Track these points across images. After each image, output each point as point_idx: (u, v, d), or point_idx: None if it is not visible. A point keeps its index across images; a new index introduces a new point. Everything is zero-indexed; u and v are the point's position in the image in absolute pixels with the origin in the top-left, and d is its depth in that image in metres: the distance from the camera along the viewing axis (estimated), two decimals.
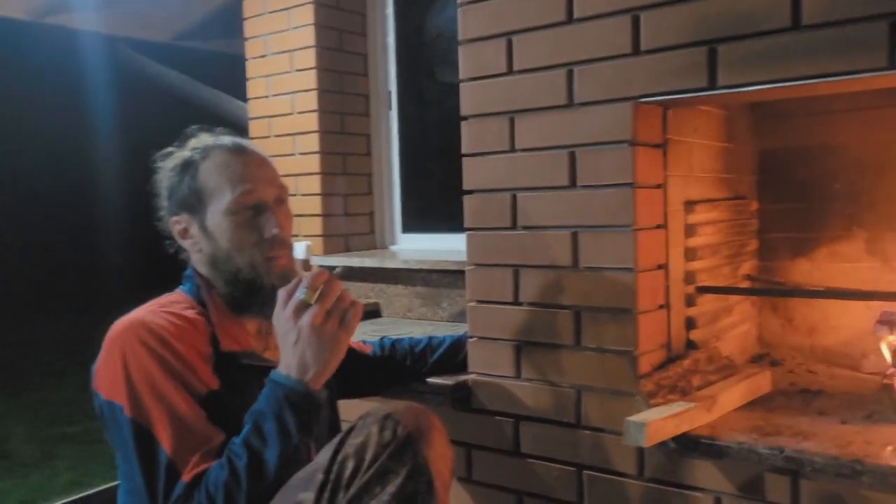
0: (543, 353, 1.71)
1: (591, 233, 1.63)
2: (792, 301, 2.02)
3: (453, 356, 1.86)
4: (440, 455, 1.23)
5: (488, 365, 1.80)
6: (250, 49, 3.33)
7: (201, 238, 1.42)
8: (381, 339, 1.88)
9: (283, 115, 3.24)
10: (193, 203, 1.41)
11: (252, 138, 3.33)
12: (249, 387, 1.33)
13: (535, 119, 1.69)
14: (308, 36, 3.11)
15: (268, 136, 3.29)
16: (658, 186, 1.65)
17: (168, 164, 1.44)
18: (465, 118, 1.80)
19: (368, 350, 1.83)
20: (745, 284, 2.00)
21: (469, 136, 1.80)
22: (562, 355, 1.68)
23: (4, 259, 6.91)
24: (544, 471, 1.73)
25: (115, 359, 1.27)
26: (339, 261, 3.04)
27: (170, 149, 1.47)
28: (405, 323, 2.72)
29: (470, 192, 1.81)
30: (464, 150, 1.81)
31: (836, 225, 1.95)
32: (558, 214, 1.67)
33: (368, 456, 1.17)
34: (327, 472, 1.17)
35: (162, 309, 1.37)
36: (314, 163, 3.14)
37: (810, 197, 1.99)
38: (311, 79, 3.12)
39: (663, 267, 1.67)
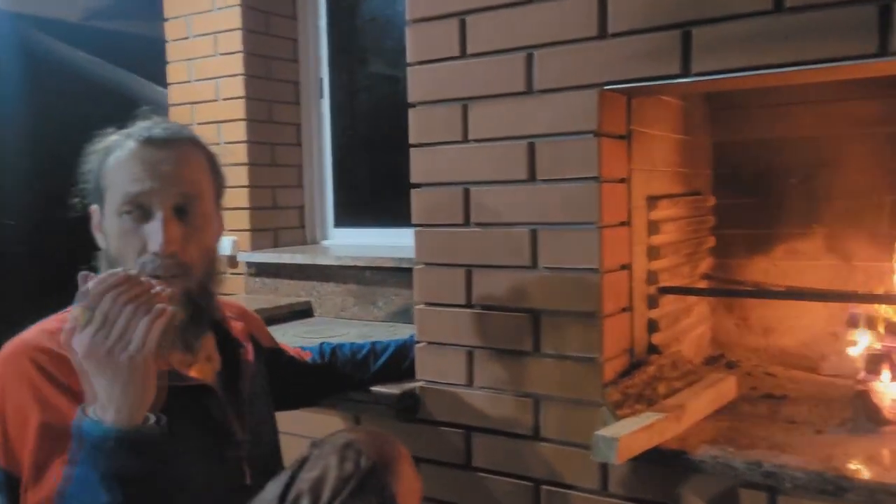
0: (499, 360, 1.59)
1: (551, 230, 1.51)
2: (748, 300, 1.96)
3: (399, 363, 1.72)
4: (409, 488, 1.08)
5: (438, 372, 1.67)
6: (171, 30, 3.10)
7: (102, 236, 1.22)
8: (321, 344, 1.72)
9: (206, 101, 3.02)
10: (99, 196, 1.21)
11: None
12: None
13: (490, 107, 1.56)
14: (234, 18, 2.91)
15: (190, 124, 3.05)
16: (622, 181, 1.54)
17: (93, 147, 1.22)
18: (413, 105, 1.66)
19: (307, 357, 1.67)
20: (704, 284, 1.93)
21: (417, 125, 1.66)
22: (519, 362, 1.56)
23: None
24: (498, 486, 1.61)
25: None
26: (267, 256, 2.85)
27: (109, 130, 1.24)
28: (339, 323, 2.56)
29: (418, 185, 1.67)
30: (412, 140, 1.67)
31: (793, 222, 1.90)
32: (516, 210, 1.54)
33: (326, 492, 1.01)
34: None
35: (50, 329, 1.13)
36: (241, 153, 2.94)
37: (767, 192, 1.92)
38: (237, 63, 2.92)
39: (627, 267, 1.56)
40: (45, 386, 1.06)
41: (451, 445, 1.66)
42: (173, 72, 3.11)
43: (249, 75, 2.93)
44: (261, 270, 2.92)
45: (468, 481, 1.65)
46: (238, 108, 2.93)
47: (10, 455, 1.05)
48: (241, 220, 2.97)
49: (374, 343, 1.75)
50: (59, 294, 1.18)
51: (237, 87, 2.92)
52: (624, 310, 1.56)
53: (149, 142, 1.18)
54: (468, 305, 1.62)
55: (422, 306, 1.69)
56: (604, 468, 1.48)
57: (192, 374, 1.24)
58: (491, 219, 1.58)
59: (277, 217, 3.07)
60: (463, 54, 1.58)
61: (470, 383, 1.63)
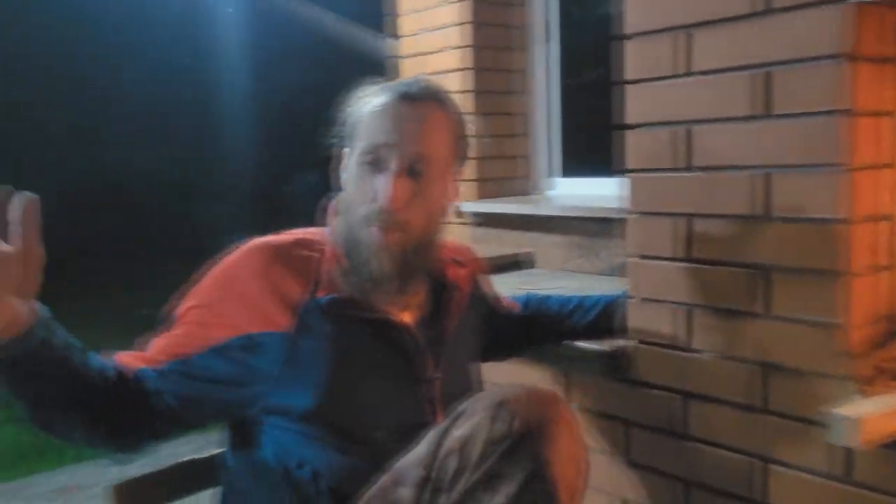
0: (721, 320, 1.41)
1: (788, 174, 1.29)
2: None
3: (608, 320, 1.60)
4: (567, 456, 0.98)
5: (652, 331, 1.53)
6: None
7: (344, 178, 1.26)
8: (527, 295, 1.66)
9: (434, 51, 3.03)
10: (350, 140, 1.25)
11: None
12: (342, 336, 1.17)
13: (717, 32, 1.36)
14: None
15: (418, 76, 3.10)
16: (884, 114, 1.28)
17: (356, 94, 1.27)
18: (629, 37, 1.50)
19: (516, 308, 1.61)
20: None
21: (634, 59, 1.50)
22: (744, 324, 1.38)
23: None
24: (717, 459, 1.45)
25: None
26: (492, 207, 2.83)
27: (374, 81, 1.28)
28: (561, 275, 2.47)
29: (633, 126, 1.52)
30: (627, 76, 1.52)
31: None
32: (745, 151, 1.35)
33: (475, 454, 0.95)
34: (427, 466, 0.97)
35: (292, 239, 1.25)
36: (467, 102, 2.92)
37: None
38: (464, 11, 2.89)
39: (888, 219, 1.31)
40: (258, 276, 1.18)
41: (667, 411, 1.52)
42: (404, 24, 3.15)
43: (476, 22, 2.89)
44: (485, 220, 2.90)
45: (684, 451, 1.50)
46: (464, 57, 2.91)
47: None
48: (467, 169, 2.96)
49: (583, 297, 1.65)
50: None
51: (464, 35, 2.90)
52: (881, 269, 1.31)
53: (403, 97, 1.20)
54: (687, 259, 1.46)
55: (635, 259, 1.55)
56: (848, 453, 1.26)
57: (396, 311, 1.25)
58: (715, 161, 1.39)
59: (503, 167, 3.03)
60: None
61: (688, 345, 1.47)
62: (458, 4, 2.89)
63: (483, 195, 2.97)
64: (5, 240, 0.88)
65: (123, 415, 1.10)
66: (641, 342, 1.55)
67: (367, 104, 1.23)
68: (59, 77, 8.38)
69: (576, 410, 1.72)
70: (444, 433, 1.00)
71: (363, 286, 1.21)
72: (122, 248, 8.26)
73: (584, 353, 1.59)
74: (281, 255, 1.21)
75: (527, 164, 3.10)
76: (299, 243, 1.24)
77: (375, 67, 3.46)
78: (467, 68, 2.90)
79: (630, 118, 1.52)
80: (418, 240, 1.22)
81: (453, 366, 1.30)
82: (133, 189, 9.03)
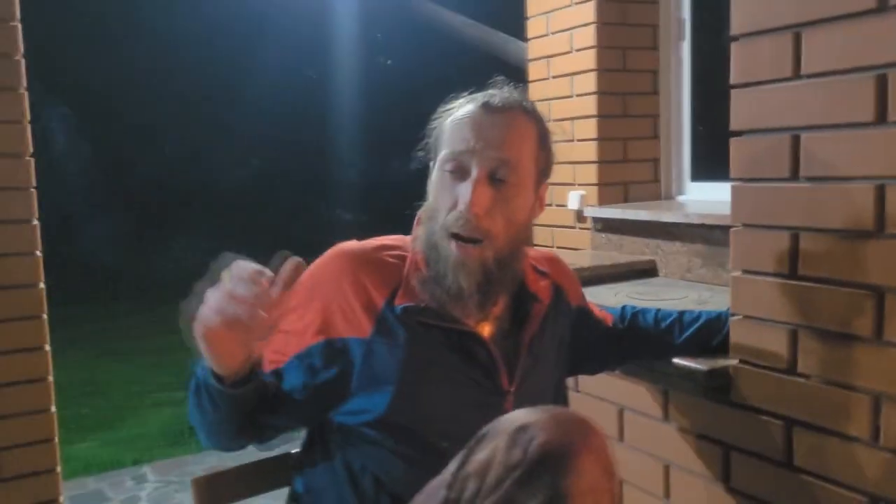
0: (829, 344, 1.30)
1: None
2: None
3: (708, 338, 1.52)
4: (590, 487, 0.92)
5: (755, 351, 1.43)
6: None
7: (430, 187, 1.27)
8: (623, 307, 1.59)
9: (561, 53, 2.99)
10: (436, 152, 1.26)
11: (531, 81, 3.15)
12: (417, 344, 1.18)
13: (830, 32, 1.26)
14: None
15: (546, 78, 3.07)
16: None
17: (442, 107, 1.28)
18: (736, 38, 1.42)
19: (610, 321, 1.56)
20: None
21: (740, 62, 1.42)
22: (855, 349, 1.27)
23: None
24: (824, 493, 1.34)
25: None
26: (613, 212, 2.75)
27: (462, 94, 1.30)
28: (680, 285, 2.37)
29: (738, 133, 1.43)
30: (732, 80, 1.43)
31: None
32: (858, 160, 1.24)
33: (490, 478, 0.92)
34: (450, 487, 0.96)
35: (377, 245, 1.28)
36: (591, 104, 2.86)
37: None
38: (590, 11, 2.83)
39: None
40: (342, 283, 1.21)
41: (769, 437, 1.42)
42: (532, 26, 3.13)
43: (602, 23, 2.82)
44: (606, 226, 2.83)
45: (789, 482, 1.40)
46: (590, 59, 2.85)
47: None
48: (590, 174, 2.90)
49: (682, 312, 1.57)
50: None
51: (590, 36, 2.84)
52: None
53: (485, 106, 1.21)
54: (793, 276, 1.36)
55: (738, 273, 1.46)
56: None
57: (472, 323, 1.25)
58: (825, 171, 1.29)
59: (628, 171, 2.94)
60: None
61: (793, 368, 1.37)
62: (584, 5, 2.84)
63: (608, 200, 2.89)
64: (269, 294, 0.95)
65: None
66: (743, 362, 1.46)
67: (451, 115, 1.23)
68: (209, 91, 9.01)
69: (675, 431, 1.65)
70: (469, 454, 0.98)
71: (443, 299, 1.21)
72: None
73: (683, 371, 1.51)
74: (363, 260, 1.23)
75: (656, 169, 2.99)
76: (383, 249, 1.26)
77: (513, 71, 3.46)
78: (593, 70, 2.84)
79: (734, 124, 1.43)
80: (500, 252, 1.20)
81: (531, 379, 1.27)
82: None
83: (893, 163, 1.18)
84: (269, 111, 8.76)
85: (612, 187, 2.91)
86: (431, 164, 1.27)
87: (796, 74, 1.31)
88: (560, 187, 3.06)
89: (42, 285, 2.02)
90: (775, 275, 1.39)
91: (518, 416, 0.96)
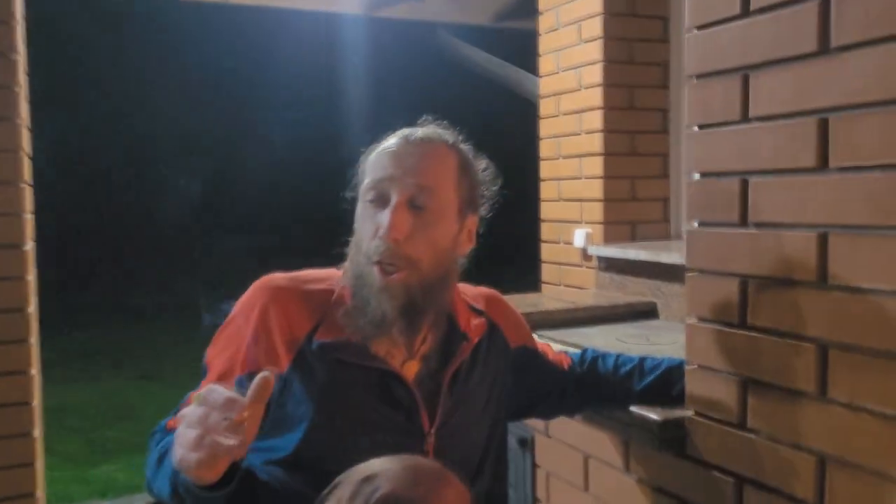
0: (776, 398, 1.24)
1: (847, 235, 1.12)
2: None
3: (668, 386, 1.46)
4: None
5: (709, 403, 1.37)
6: (543, 23, 3.12)
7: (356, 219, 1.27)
8: (584, 351, 1.55)
9: (570, 91, 2.97)
10: (360, 184, 1.26)
11: (542, 117, 3.14)
12: (334, 381, 1.16)
13: (775, 74, 1.22)
14: (596, 1, 2.80)
15: (556, 115, 3.06)
16: None
17: (369, 148, 1.30)
18: (692, 78, 1.38)
19: (566, 364, 1.52)
20: None
21: (694, 103, 1.38)
22: (800, 405, 1.20)
23: None
24: None
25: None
26: (615, 251, 2.70)
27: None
28: (679, 328, 2.27)
29: (695, 175, 1.39)
30: (688, 121, 1.39)
31: None
32: (801, 207, 1.18)
33: None
34: None
35: (304, 278, 1.27)
36: (597, 142, 2.83)
37: None
38: (596, 49, 2.81)
39: None
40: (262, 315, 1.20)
41: (722, 495, 1.36)
42: (543, 63, 3.13)
43: (609, 61, 2.79)
44: (610, 265, 2.78)
45: None
46: (597, 96, 2.83)
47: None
48: (596, 212, 2.86)
49: (643, 358, 1.52)
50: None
51: (597, 73, 2.82)
52: None
53: (405, 138, 1.23)
54: (742, 325, 1.30)
55: (693, 321, 1.41)
56: None
57: (395, 363, 1.23)
58: (770, 217, 1.24)
59: (637, 209, 2.89)
60: (745, 12, 1.26)
61: (742, 423, 1.31)
62: (592, 44, 2.82)
63: (614, 238, 2.84)
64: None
65: None
66: (698, 414, 1.40)
67: (374, 151, 1.24)
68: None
69: (634, 483, 1.59)
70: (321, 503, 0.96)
71: (366, 330, 1.20)
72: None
73: (638, 421, 1.46)
74: (286, 292, 1.22)
75: (665, 208, 2.93)
76: (309, 281, 1.25)
77: (528, 106, 3.45)
78: (600, 108, 2.82)
79: (691, 166, 1.39)
80: (425, 278, 1.19)
81: (455, 420, 1.24)
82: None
83: (835, 211, 1.13)
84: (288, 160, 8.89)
85: (618, 226, 2.86)
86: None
87: (745, 117, 1.27)
88: (567, 224, 3.02)
89: (31, 309, 2.08)
90: (726, 323, 1.33)
91: (369, 466, 0.94)
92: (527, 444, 1.89)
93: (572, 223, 2.99)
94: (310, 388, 1.16)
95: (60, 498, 3.77)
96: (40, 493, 2.14)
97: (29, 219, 2.12)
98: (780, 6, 1.20)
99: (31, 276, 2.12)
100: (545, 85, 3.11)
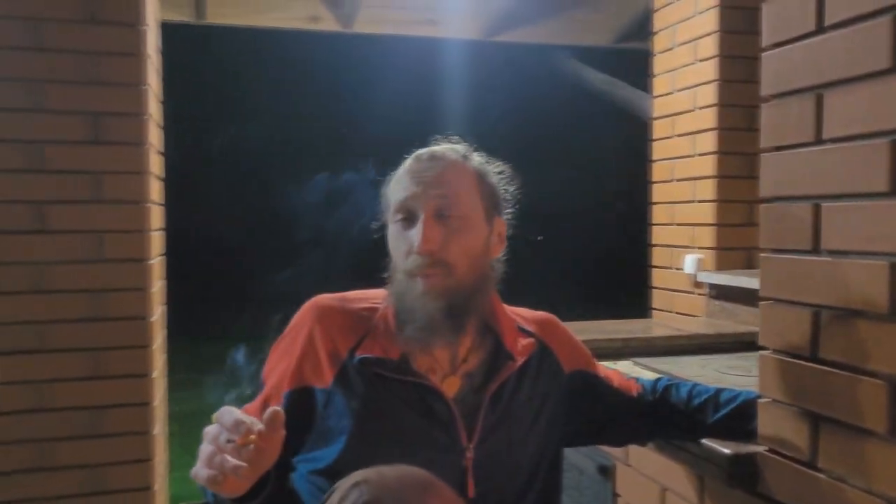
0: (846, 438, 1.16)
1: None
2: None
3: (744, 419, 1.39)
4: None
5: (780, 440, 1.30)
6: (658, 42, 3.07)
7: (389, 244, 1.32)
8: (657, 380, 1.51)
9: (684, 111, 2.90)
10: (386, 212, 1.32)
11: (655, 139, 3.08)
12: (374, 396, 1.21)
13: (847, 93, 1.15)
14: (711, 20, 2.72)
15: (670, 137, 2.99)
16: None
17: (389, 174, 1.37)
18: (767, 99, 1.33)
19: (635, 391, 1.48)
20: None
21: (769, 124, 1.32)
22: (870, 446, 1.12)
23: None
24: None
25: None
26: (728, 279, 2.59)
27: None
28: None
29: (767, 200, 1.33)
30: (763, 143, 1.34)
31: None
32: (871, 235, 1.11)
33: None
34: None
35: (349, 297, 1.33)
36: (710, 165, 2.74)
37: None
38: (711, 69, 2.72)
39: None
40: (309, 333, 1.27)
41: None
42: (658, 84, 3.07)
43: (724, 80, 2.71)
44: (720, 293, 2.67)
45: None
46: (711, 117, 2.74)
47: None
48: (707, 237, 2.76)
49: (720, 390, 1.46)
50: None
51: (711, 94, 2.73)
52: None
53: (419, 158, 1.29)
54: (814, 358, 1.23)
55: (767, 352, 1.34)
56: None
57: (437, 379, 1.26)
58: (842, 245, 1.17)
59: (754, 235, 2.76)
60: (819, 28, 1.20)
61: (812, 461, 1.23)
62: (707, 63, 2.74)
63: (727, 265, 2.74)
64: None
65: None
66: (770, 451, 1.33)
67: (394, 175, 1.30)
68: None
69: None
70: None
71: (415, 336, 1.23)
72: None
73: (710, 454, 1.40)
74: (333, 310, 1.29)
75: None
76: (355, 300, 1.32)
77: (642, 127, 3.40)
78: (714, 129, 2.73)
79: (763, 190, 1.33)
80: (462, 281, 1.23)
81: (496, 437, 1.25)
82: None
83: None
84: None
85: (733, 252, 2.76)
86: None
87: (818, 139, 1.21)
88: (678, 250, 2.93)
89: (154, 318, 2.27)
90: (797, 356, 1.26)
91: (364, 472, 0.96)
92: (607, 472, 1.85)
93: (683, 248, 2.90)
94: (350, 402, 1.21)
95: (193, 496, 4.03)
96: (158, 487, 2.32)
97: (155, 235, 2.32)
98: (852, 21, 1.14)
99: (156, 288, 2.32)
100: (659, 106, 3.05)
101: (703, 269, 2.74)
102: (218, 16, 3.61)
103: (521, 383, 1.30)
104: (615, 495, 1.85)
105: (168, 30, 2.87)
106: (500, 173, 1.33)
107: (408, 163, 1.29)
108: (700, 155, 2.80)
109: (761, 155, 1.34)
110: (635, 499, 1.78)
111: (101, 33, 2.18)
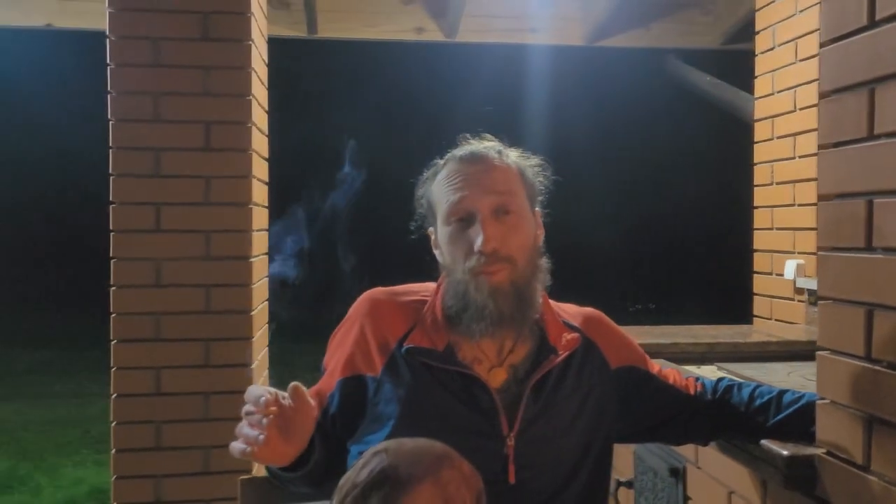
0: None
1: None
2: None
3: (807, 421, 1.36)
4: None
5: (836, 442, 1.28)
6: (760, 42, 3.00)
7: (438, 249, 1.39)
8: (719, 380, 1.51)
9: (785, 112, 2.82)
10: (430, 215, 1.39)
11: (756, 141, 3.00)
12: (419, 384, 1.28)
13: None
14: (812, 19, 2.64)
15: (770, 139, 2.91)
16: None
17: (423, 176, 1.43)
18: (824, 95, 1.31)
19: (692, 389, 1.48)
20: None
21: (826, 120, 1.30)
22: None
23: None
24: None
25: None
26: None
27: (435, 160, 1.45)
28: None
29: (825, 197, 1.31)
30: (819, 140, 1.32)
31: None
32: None
33: (344, 493, 0.99)
34: (332, 499, 1.04)
35: (399, 291, 1.41)
36: (811, 167, 2.64)
37: None
38: (813, 68, 2.63)
39: None
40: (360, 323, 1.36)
41: None
42: (759, 85, 2.99)
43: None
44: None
45: None
46: (812, 118, 2.65)
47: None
48: (809, 242, 2.67)
49: (783, 391, 1.44)
50: None
51: (813, 94, 2.64)
52: None
53: (462, 159, 1.35)
54: (867, 358, 1.20)
55: (825, 353, 1.32)
56: None
57: (482, 370, 1.31)
58: (894, 242, 1.14)
59: None
60: (872, 22, 1.18)
61: (866, 464, 1.20)
62: (808, 62, 2.66)
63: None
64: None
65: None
66: (828, 453, 1.30)
67: (435, 178, 1.36)
68: None
69: None
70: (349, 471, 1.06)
71: (465, 334, 1.30)
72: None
73: (768, 456, 1.38)
74: (383, 302, 1.38)
75: None
76: (405, 293, 1.40)
77: (745, 129, 3.32)
78: (815, 130, 2.63)
79: (821, 187, 1.31)
80: (523, 272, 1.31)
81: (538, 426, 1.29)
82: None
83: None
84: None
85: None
86: (431, 228, 1.39)
87: (871, 134, 1.18)
88: (778, 255, 2.85)
89: (255, 312, 2.45)
90: (852, 356, 1.23)
91: (384, 443, 1.03)
92: (678, 474, 1.84)
93: (784, 253, 2.81)
94: (397, 390, 1.29)
95: None
96: (256, 469, 2.49)
97: (258, 235, 2.50)
98: None
99: (257, 285, 2.49)
100: (760, 108, 2.98)
101: (804, 275, 2.65)
102: (328, 30, 3.81)
103: (565, 376, 1.34)
104: (686, 497, 1.84)
105: (279, 44, 3.08)
106: (535, 167, 1.39)
107: (450, 165, 1.35)
108: (801, 157, 2.71)
109: (819, 152, 1.32)
110: (704, 501, 1.77)
111: (212, 49, 2.38)
